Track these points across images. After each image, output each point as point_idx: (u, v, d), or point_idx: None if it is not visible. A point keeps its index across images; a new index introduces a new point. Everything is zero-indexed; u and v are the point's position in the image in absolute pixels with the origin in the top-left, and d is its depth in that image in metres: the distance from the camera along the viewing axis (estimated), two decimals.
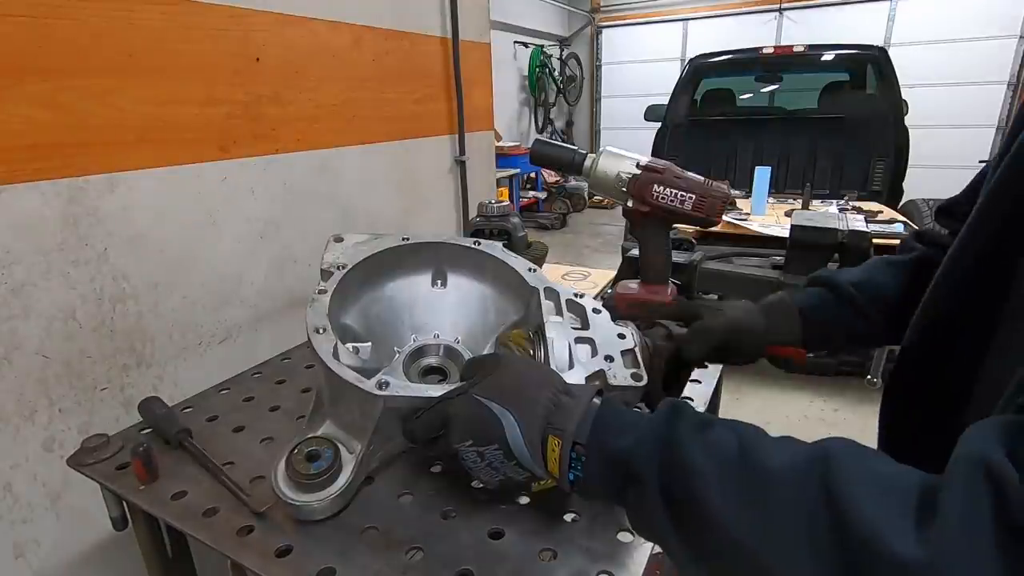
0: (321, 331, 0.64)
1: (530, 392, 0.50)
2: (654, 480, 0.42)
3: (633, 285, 0.93)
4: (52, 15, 0.81)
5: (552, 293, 0.74)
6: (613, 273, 1.41)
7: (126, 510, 0.69)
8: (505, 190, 5.67)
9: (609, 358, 0.65)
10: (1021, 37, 6.19)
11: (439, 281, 0.85)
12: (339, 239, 0.82)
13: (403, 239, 0.82)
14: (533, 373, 0.54)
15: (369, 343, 0.76)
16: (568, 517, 0.59)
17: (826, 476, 0.35)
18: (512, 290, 0.80)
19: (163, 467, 0.67)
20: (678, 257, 1.05)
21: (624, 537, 0.56)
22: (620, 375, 0.63)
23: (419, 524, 0.58)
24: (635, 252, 0.97)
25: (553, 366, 0.62)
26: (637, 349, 0.68)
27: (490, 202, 1.14)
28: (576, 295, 0.75)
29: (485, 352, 0.77)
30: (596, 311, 0.73)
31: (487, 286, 0.84)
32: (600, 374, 0.63)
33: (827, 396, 2.66)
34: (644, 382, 0.63)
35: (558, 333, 0.66)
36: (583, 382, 0.61)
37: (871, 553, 0.31)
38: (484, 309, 0.83)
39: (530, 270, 0.79)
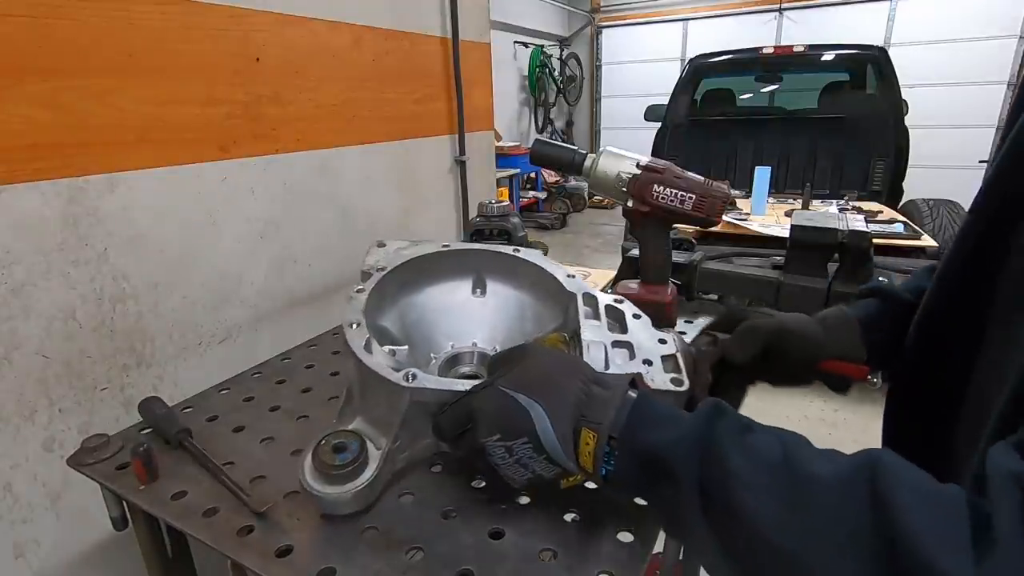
0: (355, 325, 0.65)
1: (559, 381, 0.49)
2: (691, 479, 0.41)
3: (633, 285, 0.93)
4: (52, 15, 0.81)
5: (590, 299, 0.73)
6: (613, 273, 1.41)
7: (126, 510, 0.69)
8: (505, 190, 5.67)
9: (648, 362, 0.63)
10: (1021, 37, 6.19)
11: (479, 289, 0.85)
12: (381, 244, 0.84)
13: (443, 246, 0.83)
14: (561, 362, 0.52)
15: (406, 347, 0.76)
16: (568, 517, 0.59)
17: (874, 483, 0.34)
18: (551, 297, 0.80)
19: (163, 467, 0.67)
20: (678, 257, 1.05)
21: (624, 537, 0.56)
22: (659, 379, 0.61)
23: (419, 524, 0.58)
24: (635, 252, 0.97)
25: None
26: (679, 354, 0.65)
27: (490, 202, 1.14)
28: (616, 301, 0.73)
29: None
30: (636, 316, 0.71)
31: (525, 294, 0.83)
32: (637, 377, 0.61)
33: (827, 396, 2.66)
34: (685, 387, 0.60)
35: (594, 336, 0.65)
36: None
37: (924, 571, 0.30)
38: (522, 317, 0.83)
39: (569, 276, 0.78)
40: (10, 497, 0.85)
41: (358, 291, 0.72)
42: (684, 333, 0.71)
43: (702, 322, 0.84)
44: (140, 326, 0.98)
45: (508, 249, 0.83)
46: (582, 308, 0.72)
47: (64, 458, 0.71)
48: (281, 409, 0.81)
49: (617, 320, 0.72)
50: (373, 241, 0.84)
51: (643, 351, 0.65)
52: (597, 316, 0.71)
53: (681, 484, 0.41)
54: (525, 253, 0.82)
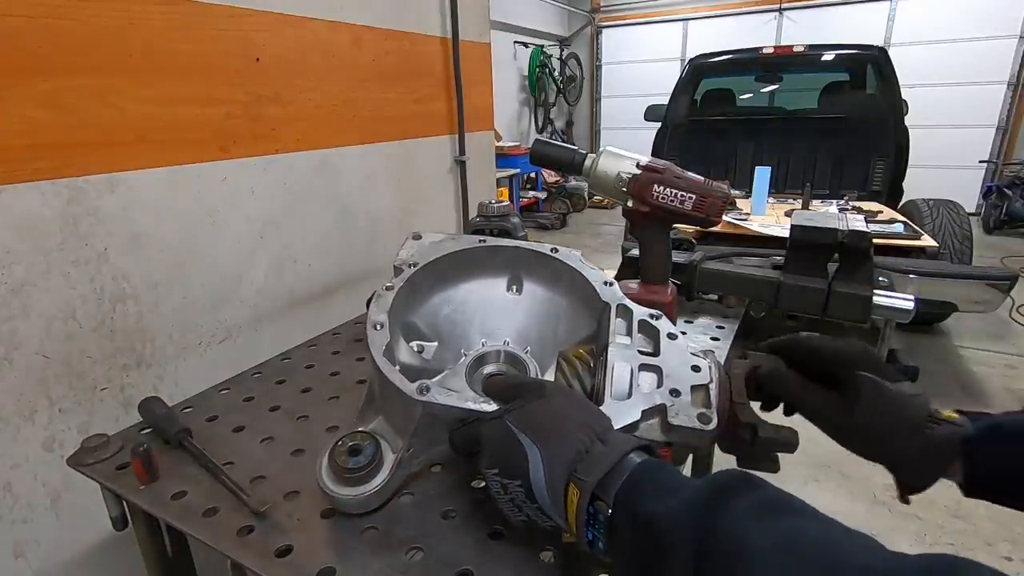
0: (378, 327, 0.64)
1: (564, 431, 0.46)
2: (685, 556, 0.34)
3: (633, 285, 0.93)
4: (52, 15, 0.81)
5: (625, 311, 0.69)
6: (613, 273, 1.41)
7: (126, 510, 0.69)
8: (505, 190, 5.68)
9: (675, 392, 0.57)
10: (1021, 37, 6.19)
11: (514, 287, 0.83)
12: (417, 236, 0.81)
13: (480, 240, 0.81)
14: (575, 411, 0.49)
15: (435, 343, 0.75)
16: None
17: None
18: (585, 303, 0.76)
19: (163, 467, 0.67)
20: (678, 257, 1.05)
21: None
22: (684, 414, 0.55)
23: (419, 524, 0.58)
24: (635, 252, 0.97)
25: (610, 392, 0.58)
26: (713, 386, 0.58)
27: (490, 202, 1.14)
28: (652, 316, 0.67)
29: (553, 365, 0.71)
30: (672, 336, 0.64)
31: (561, 296, 0.80)
32: (660, 409, 0.56)
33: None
34: (712, 425, 0.54)
35: (621, 356, 0.61)
36: (639, 415, 0.55)
37: None
38: (556, 320, 0.80)
39: (606, 283, 0.73)
40: (10, 497, 0.85)
41: (387, 288, 0.70)
42: (712, 352, 0.63)
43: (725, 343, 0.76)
44: (140, 326, 0.98)
45: (546, 248, 0.80)
46: (614, 321, 0.67)
47: (64, 458, 0.71)
48: (281, 409, 0.81)
49: (651, 338, 0.66)
50: (409, 233, 0.82)
51: (673, 378, 0.59)
52: (629, 332, 0.66)
53: (671, 561, 0.35)
54: (563, 254, 0.79)
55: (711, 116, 4.16)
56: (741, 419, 0.57)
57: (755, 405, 0.61)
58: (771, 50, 4.06)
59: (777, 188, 3.82)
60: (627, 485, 0.41)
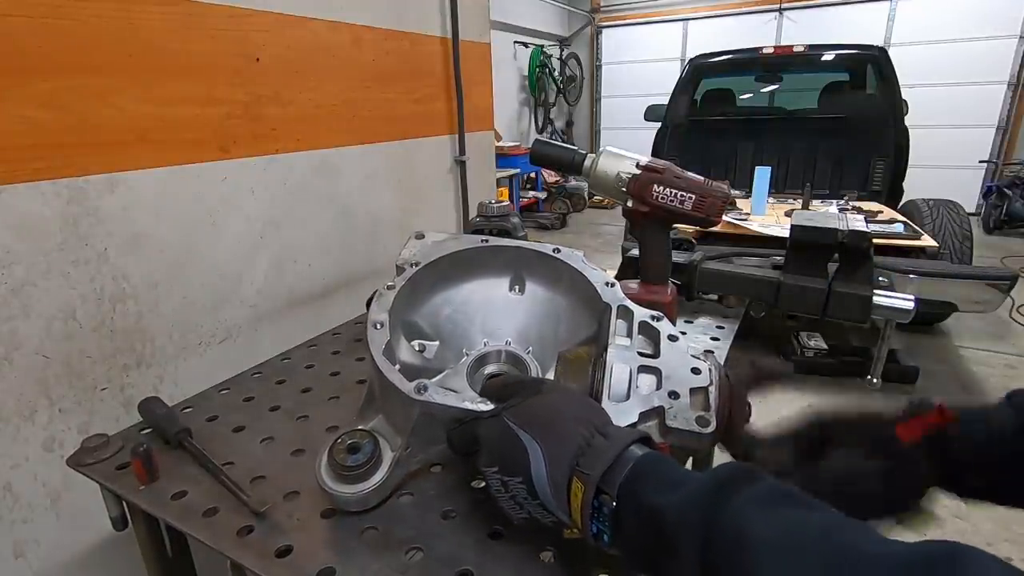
0: (379, 326, 0.64)
1: (564, 426, 0.46)
2: (692, 548, 0.35)
3: (633, 285, 0.93)
4: (52, 15, 0.81)
5: (625, 312, 0.69)
6: (613, 273, 1.41)
7: (126, 510, 0.69)
8: (505, 190, 5.68)
9: (674, 394, 0.57)
10: (1021, 37, 6.19)
11: (517, 287, 0.83)
12: (420, 236, 0.82)
13: (482, 240, 0.81)
14: (573, 406, 0.50)
15: (436, 343, 0.75)
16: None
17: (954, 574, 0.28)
18: (586, 304, 0.76)
19: (163, 467, 0.67)
20: (678, 257, 1.05)
21: None
22: (682, 416, 0.55)
23: (419, 524, 0.58)
24: (635, 252, 0.97)
25: (608, 393, 0.58)
26: (712, 388, 0.58)
27: (490, 202, 1.14)
28: (653, 317, 0.67)
29: (553, 365, 0.71)
30: (672, 338, 0.64)
31: (562, 296, 0.80)
32: (659, 411, 0.57)
33: (823, 394, 2.66)
34: (711, 429, 0.54)
35: (620, 358, 0.61)
36: (637, 417, 0.56)
37: None
38: (557, 320, 0.80)
39: (607, 284, 0.73)
40: (10, 497, 0.85)
41: (388, 287, 0.71)
42: (713, 352, 0.66)
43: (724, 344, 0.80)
44: (140, 326, 0.98)
45: (548, 249, 0.80)
46: (614, 322, 0.67)
47: (64, 458, 0.71)
48: (281, 409, 0.81)
49: (652, 339, 0.66)
50: (412, 232, 0.82)
51: (672, 380, 0.59)
52: (629, 333, 0.66)
53: (678, 554, 0.36)
54: (565, 255, 0.79)
55: (711, 116, 4.17)
56: (739, 433, 0.58)
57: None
58: (771, 50, 4.06)
59: (777, 188, 3.83)
60: (631, 477, 0.41)
